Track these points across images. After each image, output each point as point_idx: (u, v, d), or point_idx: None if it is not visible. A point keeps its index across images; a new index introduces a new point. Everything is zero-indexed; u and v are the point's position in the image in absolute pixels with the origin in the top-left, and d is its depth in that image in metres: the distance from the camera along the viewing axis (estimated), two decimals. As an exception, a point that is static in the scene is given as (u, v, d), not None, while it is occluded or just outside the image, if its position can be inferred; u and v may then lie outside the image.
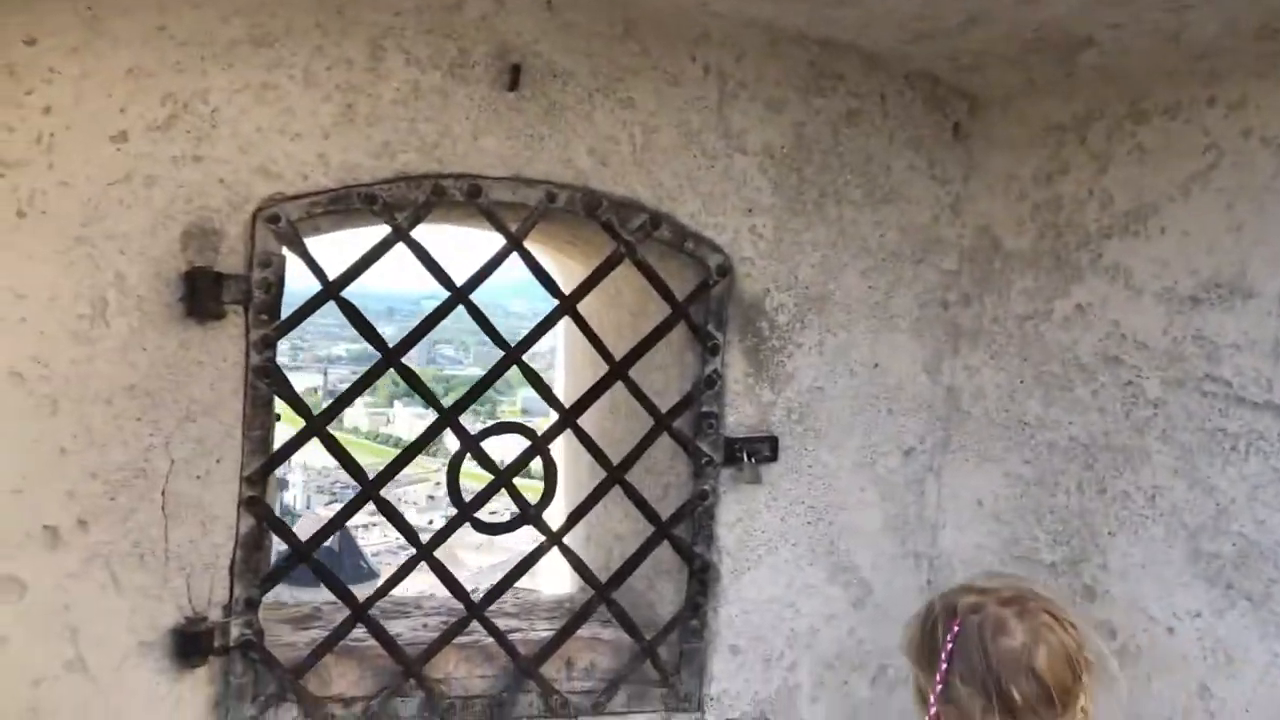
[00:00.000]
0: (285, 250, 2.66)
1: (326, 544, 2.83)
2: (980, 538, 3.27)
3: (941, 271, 3.28)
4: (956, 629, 1.58)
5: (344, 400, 2.75)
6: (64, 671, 2.54)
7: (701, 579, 3.10)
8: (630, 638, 3.05)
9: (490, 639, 2.94)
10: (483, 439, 2.86)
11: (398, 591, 2.99)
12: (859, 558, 3.27)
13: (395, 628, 3.16)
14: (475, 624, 2.90)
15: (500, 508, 3.26)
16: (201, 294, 2.53)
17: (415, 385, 2.87)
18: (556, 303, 2.95)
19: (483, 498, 2.88)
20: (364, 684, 2.88)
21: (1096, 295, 2.90)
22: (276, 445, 2.71)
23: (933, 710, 1.58)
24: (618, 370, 2.97)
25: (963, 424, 3.32)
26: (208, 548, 2.63)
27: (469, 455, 2.85)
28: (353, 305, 2.70)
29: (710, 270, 3.02)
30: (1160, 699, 2.69)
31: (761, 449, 3.11)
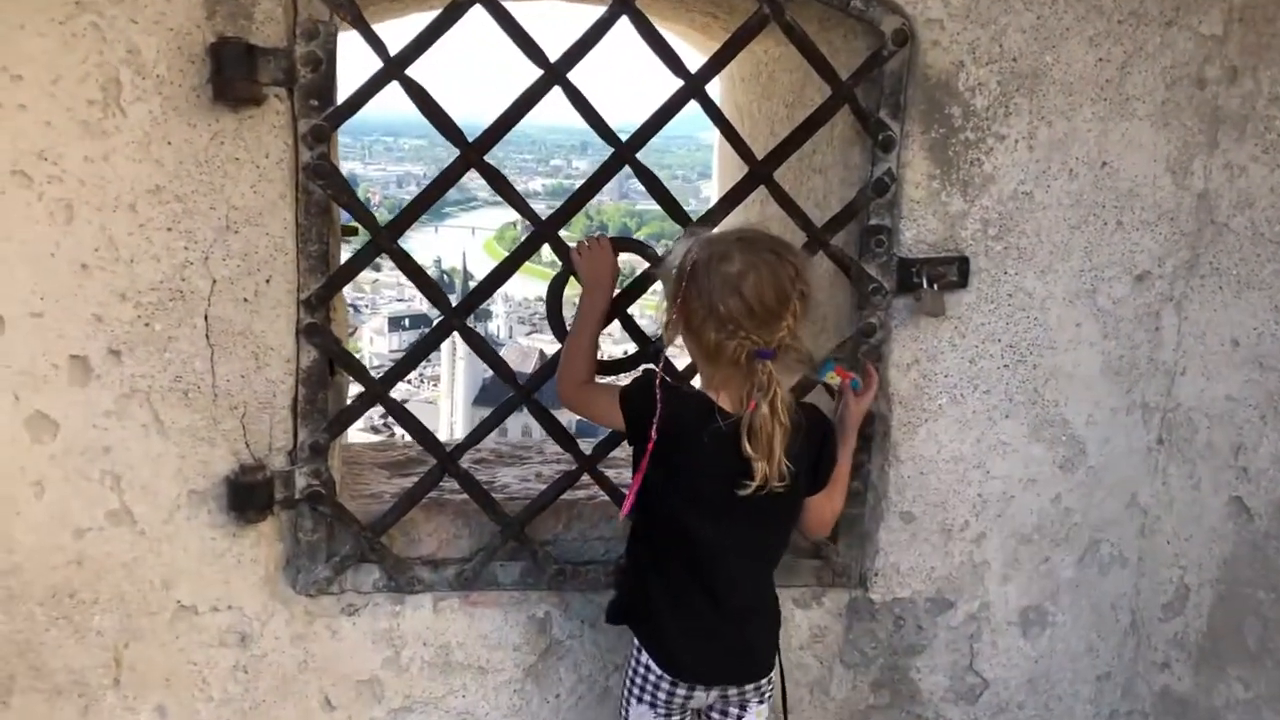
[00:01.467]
0: (337, 22, 2.12)
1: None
2: (1233, 387, 2.53)
3: (1199, 37, 2.45)
4: (695, 257, 1.91)
5: (412, 212, 2.23)
6: (108, 523, 2.20)
7: (865, 433, 2.51)
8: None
9: (606, 495, 2.46)
10: (589, 256, 2.31)
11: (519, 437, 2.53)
12: (1070, 410, 2.59)
13: (505, 477, 2.73)
14: (587, 477, 2.42)
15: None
16: (231, 72, 2.03)
17: (503, 189, 2.30)
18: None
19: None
20: (459, 544, 2.46)
21: None
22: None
23: (671, 317, 1.95)
24: (758, 171, 2.34)
25: (1218, 241, 2.54)
26: (262, 384, 2.21)
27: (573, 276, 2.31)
28: (420, 87, 2.15)
29: (885, 38, 2.32)
30: None
31: (947, 273, 2.44)
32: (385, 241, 2.20)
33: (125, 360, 2.14)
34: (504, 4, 2.14)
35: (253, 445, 2.23)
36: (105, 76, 2.02)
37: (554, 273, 2.37)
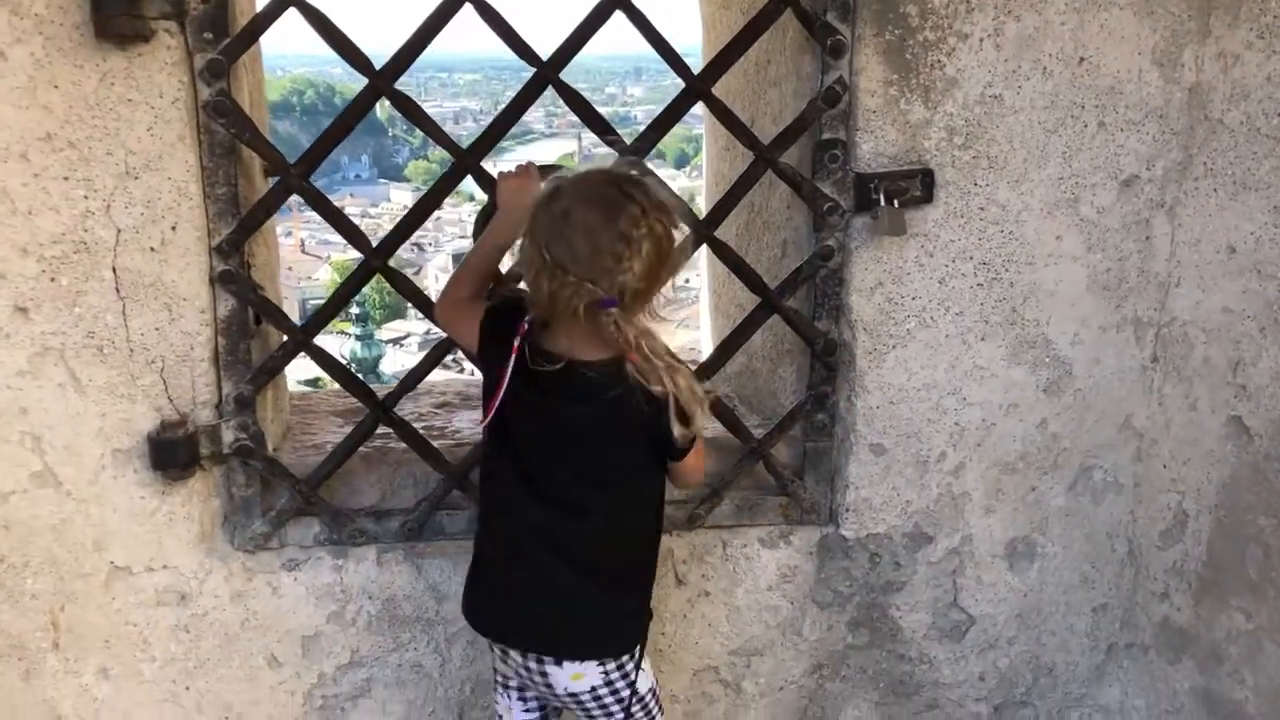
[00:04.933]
0: (229, -57, 1.99)
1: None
2: (1231, 298, 2.33)
3: (1187, -88, 2.22)
4: (540, 201, 1.71)
5: (321, 149, 2.10)
6: (32, 485, 2.13)
7: (827, 362, 2.36)
8: (734, 435, 2.37)
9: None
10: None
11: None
12: (1053, 329, 2.41)
13: (460, 422, 2.63)
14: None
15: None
16: (110, 7, 1.90)
17: (420, 120, 2.17)
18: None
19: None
20: (403, 495, 2.37)
21: None
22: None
23: (513, 262, 1.89)
24: (695, 87, 2.18)
25: (1212, 139, 2.32)
26: (178, 336, 2.12)
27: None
28: (320, 13, 2.01)
29: (826, -69, 2.12)
30: None
31: (909, 187, 2.26)
32: (294, 180, 2.08)
33: (34, 317, 2.06)
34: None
35: (175, 400, 2.15)
36: (-20, 18, 1.91)
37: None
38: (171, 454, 2.12)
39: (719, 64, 2.19)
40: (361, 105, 2.08)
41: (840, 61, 2.21)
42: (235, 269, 2.11)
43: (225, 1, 2.00)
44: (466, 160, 2.13)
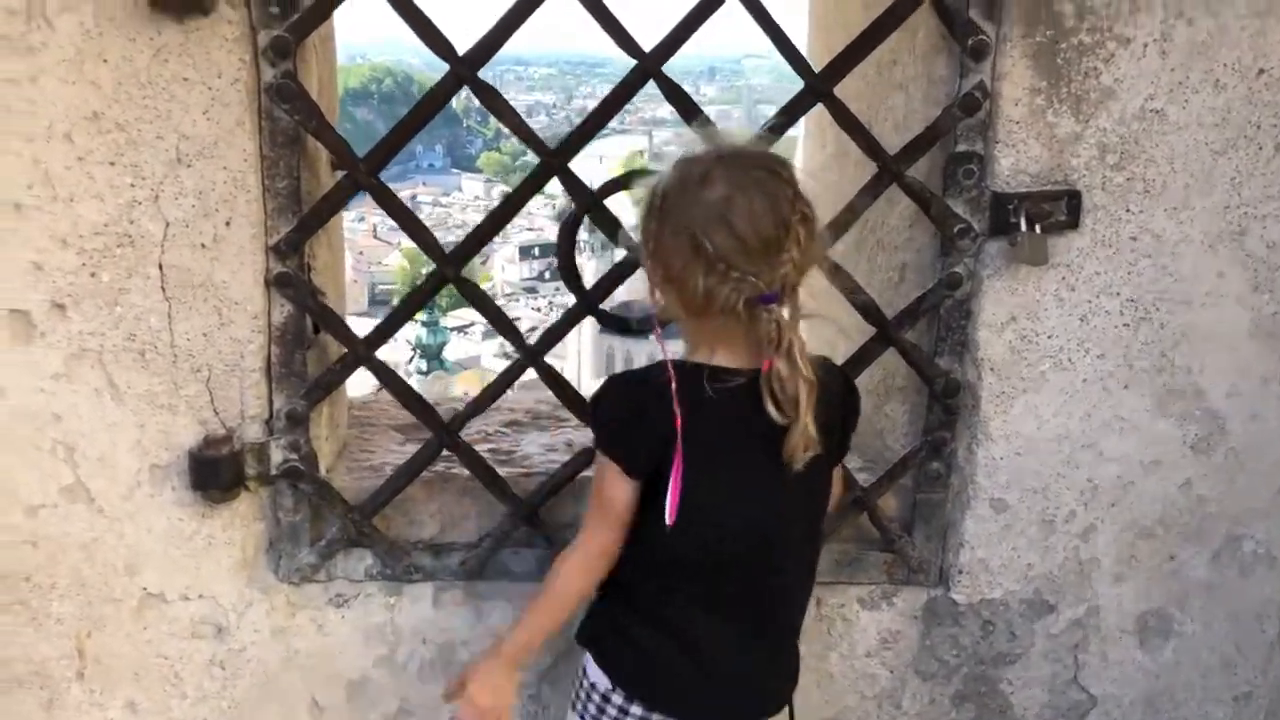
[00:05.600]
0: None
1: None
2: None
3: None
4: (666, 185, 1.51)
5: (393, 142, 1.87)
6: (63, 499, 1.94)
7: (947, 405, 2.08)
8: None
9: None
10: (608, 195, 1.93)
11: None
12: (1208, 378, 2.11)
13: (529, 446, 2.39)
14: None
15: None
16: (168, -28, 1.70)
17: (504, 114, 1.93)
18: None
19: (609, 283, 1.97)
20: (465, 527, 2.14)
21: None
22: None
23: (647, 264, 1.57)
24: (816, 86, 1.92)
25: None
26: (227, 343, 1.91)
27: (588, 218, 1.93)
28: (402, -10, 1.79)
29: (975, -85, 1.86)
30: None
31: (1053, 210, 1.99)
32: (363, 176, 1.86)
33: (71, 315, 1.86)
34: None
35: (222, 413, 1.94)
36: (25, -19, 1.72)
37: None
38: (214, 474, 1.91)
39: (842, 63, 1.93)
40: (441, 94, 1.86)
41: (982, 65, 1.94)
42: (293, 271, 1.89)
43: (296, -28, 1.78)
44: (554, 161, 1.90)
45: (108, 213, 1.82)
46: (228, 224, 1.85)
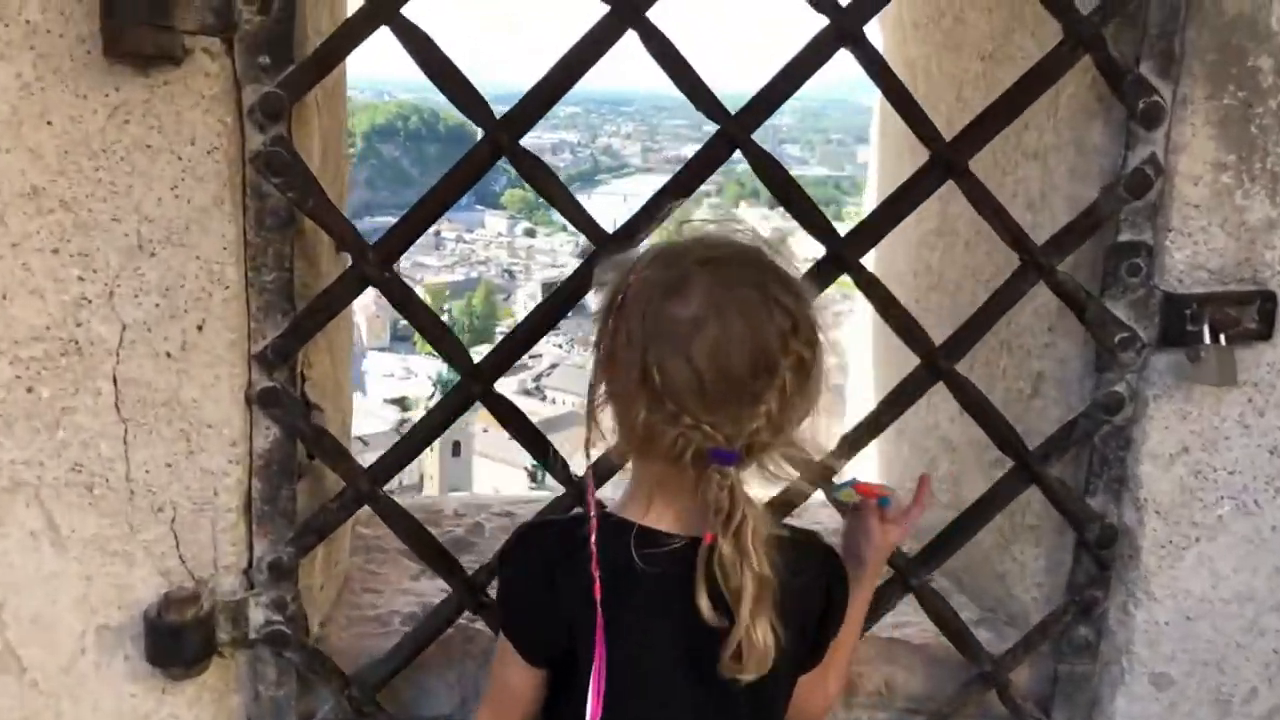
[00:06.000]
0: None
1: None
2: None
3: None
4: (630, 279, 1.15)
5: (413, 226, 1.48)
6: (-12, 669, 1.54)
7: (1100, 556, 1.66)
8: (956, 647, 1.69)
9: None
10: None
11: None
12: None
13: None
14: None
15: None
16: (129, 11, 1.32)
17: (555, 196, 1.55)
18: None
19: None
20: (493, 697, 1.72)
21: None
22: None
23: (594, 366, 1.20)
24: (944, 157, 1.51)
25: None
26: (196, 476, 1.50)
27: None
28: (425, 38, 1.40)
29: (1151, -52, 1.46)
30: None
31: (1241, 317, 1.58)
32: (373, 269, 1.47)
33: (2, 441, 1.47)
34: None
35: (189, 563, 1.54)
36: (-52, 23, 1.34)
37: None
38: (175, 646, 1.50)
39: (979, 131, 1.53)
40: (476, 164, 1.46)
41: (1154, 133, 1.54)
42: (282, 386, 1.49)
43: (291, 12, 1.40)
44: (611, 245, 1.50)
45: (49, 313, 1.43)
46: (199, 328, 1.46)
